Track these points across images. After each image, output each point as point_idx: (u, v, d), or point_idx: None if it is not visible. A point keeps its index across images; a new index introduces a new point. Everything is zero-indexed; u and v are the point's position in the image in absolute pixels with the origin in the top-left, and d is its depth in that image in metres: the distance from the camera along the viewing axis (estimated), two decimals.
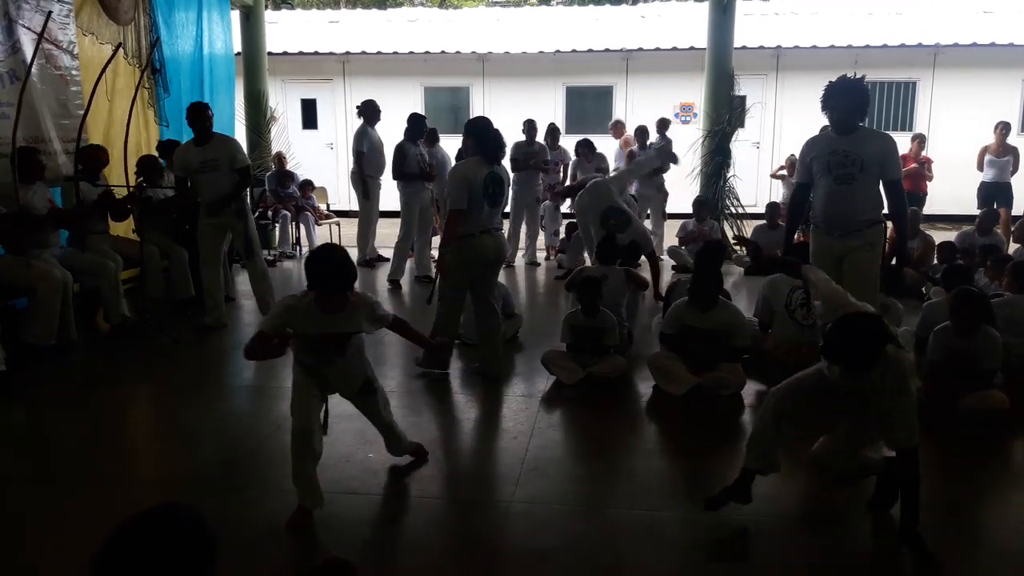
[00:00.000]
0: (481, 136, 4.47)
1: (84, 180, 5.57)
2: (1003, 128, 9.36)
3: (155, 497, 1.44)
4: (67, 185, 5.51)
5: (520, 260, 8.61)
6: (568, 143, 9.37)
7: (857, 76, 4.02)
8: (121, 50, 7.13)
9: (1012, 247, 7.47)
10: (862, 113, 4.02)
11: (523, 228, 8.61)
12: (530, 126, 8.48)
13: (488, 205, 4.41)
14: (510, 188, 8.38)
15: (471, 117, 7.24)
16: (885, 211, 4.12)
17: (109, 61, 5.72)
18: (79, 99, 6.35)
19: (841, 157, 3.99)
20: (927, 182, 9.50)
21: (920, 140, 9.73)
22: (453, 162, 8.41)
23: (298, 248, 9.44)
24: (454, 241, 4.38)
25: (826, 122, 4.11)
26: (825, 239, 4.16)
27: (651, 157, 8.61)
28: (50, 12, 5.71)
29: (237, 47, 9.43)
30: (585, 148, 8.81)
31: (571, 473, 3.42)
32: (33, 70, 5.55)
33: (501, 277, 5.00)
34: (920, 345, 4.28)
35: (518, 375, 4.71)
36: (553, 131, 8.99)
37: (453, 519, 2.92)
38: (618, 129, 10.36)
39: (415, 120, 7.68)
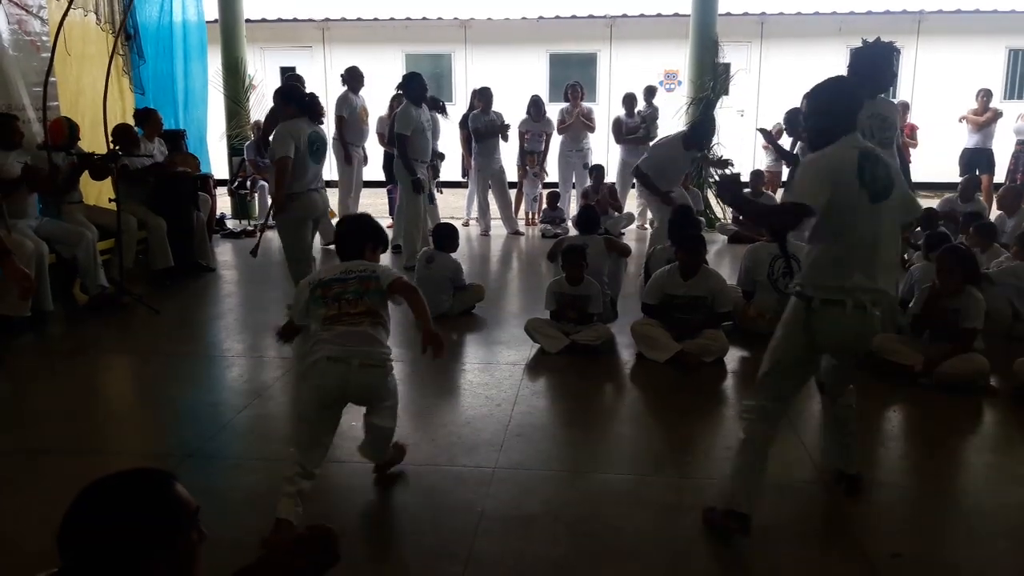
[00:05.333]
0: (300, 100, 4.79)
1: (56, 149, 5.43)
2: (985, 95, 9.36)
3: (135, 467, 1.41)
4: (39, 153, 5.37)
5: (501, 230, 8.53)
6: (552, 111, 9.25)
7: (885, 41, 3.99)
8: (93, 15, 6.95)
9: (994, 214, 7.50)
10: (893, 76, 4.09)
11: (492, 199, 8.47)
12: (484, 94, 8.27)
13: (313, 163, 4.75)
14: (472, 160, 8.30)
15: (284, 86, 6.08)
16: None
17: (65, 14, 5.50)
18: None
19: (879, 121, 3.97)
20: (912, 149, 9.50)
21: (904, 107, 9.71)
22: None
23: None
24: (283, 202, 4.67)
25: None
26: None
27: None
28: None
29: (212, 14, 9.22)
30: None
31: (555, 439, 3.42)
32: (5, 36, 5.40)
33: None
34: (904, 306, 4.29)
35: (502, 343, 4.69)
36: (537, 102, 8.82)
37: (437, 485, 2.91)
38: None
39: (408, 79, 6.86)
